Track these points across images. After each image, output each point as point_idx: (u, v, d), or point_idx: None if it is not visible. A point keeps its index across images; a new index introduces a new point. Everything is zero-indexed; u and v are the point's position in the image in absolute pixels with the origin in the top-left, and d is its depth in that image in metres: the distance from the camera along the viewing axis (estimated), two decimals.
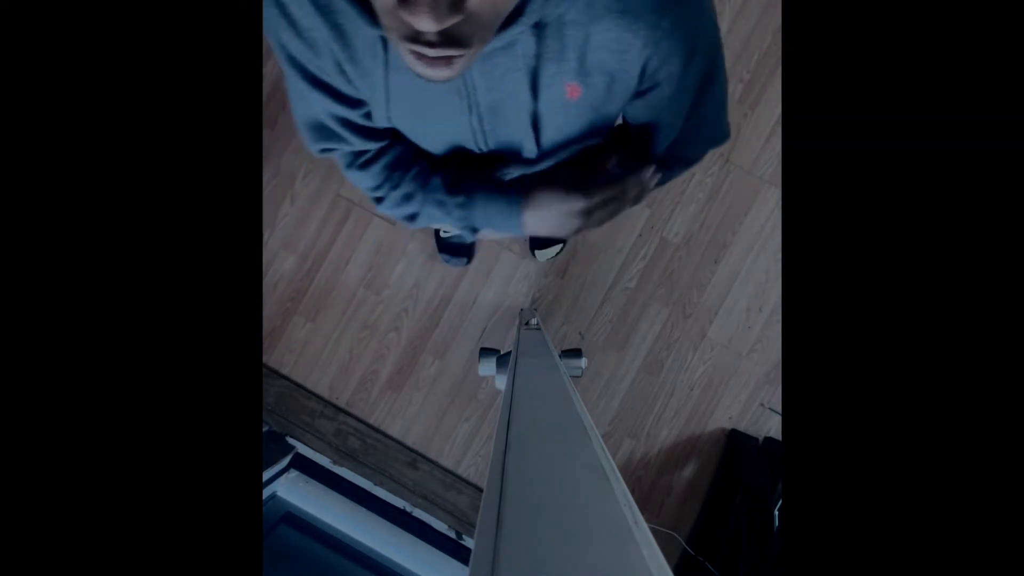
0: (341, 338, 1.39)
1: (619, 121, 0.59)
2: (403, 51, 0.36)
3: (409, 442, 1.39)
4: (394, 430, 1.40)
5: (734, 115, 1.34)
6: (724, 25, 1.33)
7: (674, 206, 1.37)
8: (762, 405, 1.38)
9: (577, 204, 0.55)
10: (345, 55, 0.46)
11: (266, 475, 1.25)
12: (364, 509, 1.36)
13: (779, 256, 1.35)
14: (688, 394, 1.38)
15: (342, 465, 1.38)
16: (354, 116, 0.53)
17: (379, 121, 0.54)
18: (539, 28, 0.42)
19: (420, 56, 0.34)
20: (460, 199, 0.58)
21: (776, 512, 1.16)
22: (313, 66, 0.48)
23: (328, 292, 1.39)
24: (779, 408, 1.38)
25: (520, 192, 0.56)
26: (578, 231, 0.58)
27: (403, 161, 0.59)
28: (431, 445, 1.39)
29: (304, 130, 0.56)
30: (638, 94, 0.50)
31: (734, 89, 1.34)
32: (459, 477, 1.39)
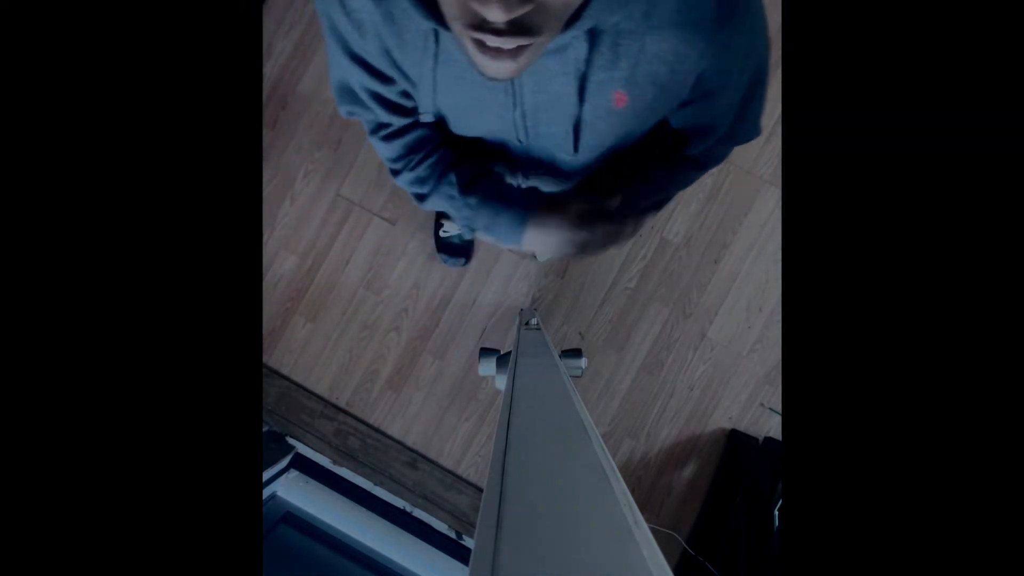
0: (341, 338, 1.39)
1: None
2: (467, 44, 0.35)
3: (409, 442, 1.39)
4: (394, 430, 1.40)
5: None
6: None
7: (674, 206, 1.37)
8: (762, 405, 1.38)
9: (580, 236, 0.55)
10: (394, 41, 0.46)
11: (266, 475, 1.25)
12: (364, 509, 1.36)
13: (779, 256, 1.35)
14: (688, 394, 1.38)
15: (342, 465, 1.38)
16: (387, 92, 0.53)
17: (424, 107, 0.54)
18: (593, 35, 0.42)
19: (484, 49, 0.34)
20: (471, 200, 0.58)
21: (776, 512, 1.16)
22: (356, 45, 0.48)
23: (328, 292, 1.39)
24: (779, 408, 1.38)
25: (528, 209, 0.57)
26: (571, 256, 0.58)
27: (425, 143, 0.59)
28: (431, 445, 1.39)
29: (335, 91, 0.56)
30: (686, 102, 0.50)
31: None
32: (459, 477, 1.39)
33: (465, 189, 0.58)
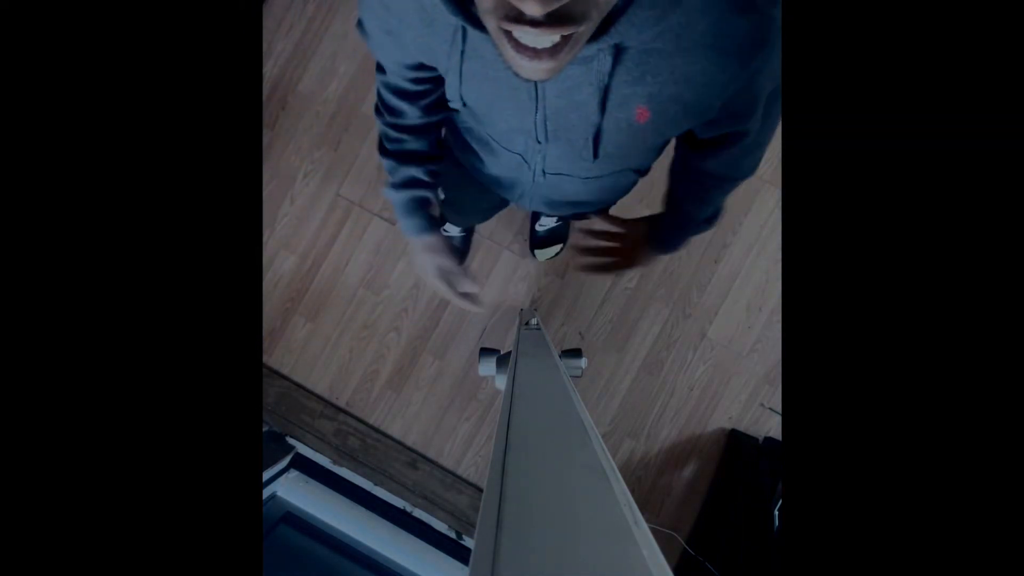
0: (341, 338, 1.39)
1: None
2: (502, 43, 0.34)
3: (409, 442, 1.39)
4: (394, 430, 1.40)
5: None
6: None
7: None
8: (762, 405, 1.38)
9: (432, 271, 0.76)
10: (426, 30, 0.47)
11: (266, 475, 1.25)
12: (364, 509, 1.36)
13: (779, 256, 1.35)
14: (688, 394, 1.38)
15: (342, 465, 1.38)
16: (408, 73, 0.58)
17: (452, 97, 0.55)
18: (618, 50, 0.41)
19: (521, 49, 0.33)
20: (395, 181, 0.69)
21: (776, 512, 1.16)
22: (390, 23, 0.50)
23: (328, 292, 1.39)
24: (779, 408, 1.38)
25: (423, 230, 0.74)
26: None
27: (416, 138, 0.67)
28: (431, 445, 1.39)
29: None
30: (712, 121, 0.51)
31: None
32: (459, 477, 1.39)
33: (396, 174, 0.69)
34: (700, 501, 1.37)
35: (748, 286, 1.37)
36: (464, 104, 0.55)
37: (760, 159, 0.65)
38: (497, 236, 1.39)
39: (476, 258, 1.39)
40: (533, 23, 0.30)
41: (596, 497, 0.22)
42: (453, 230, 1.32)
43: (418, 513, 1.38)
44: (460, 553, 1.35)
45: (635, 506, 0.21)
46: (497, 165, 0.68)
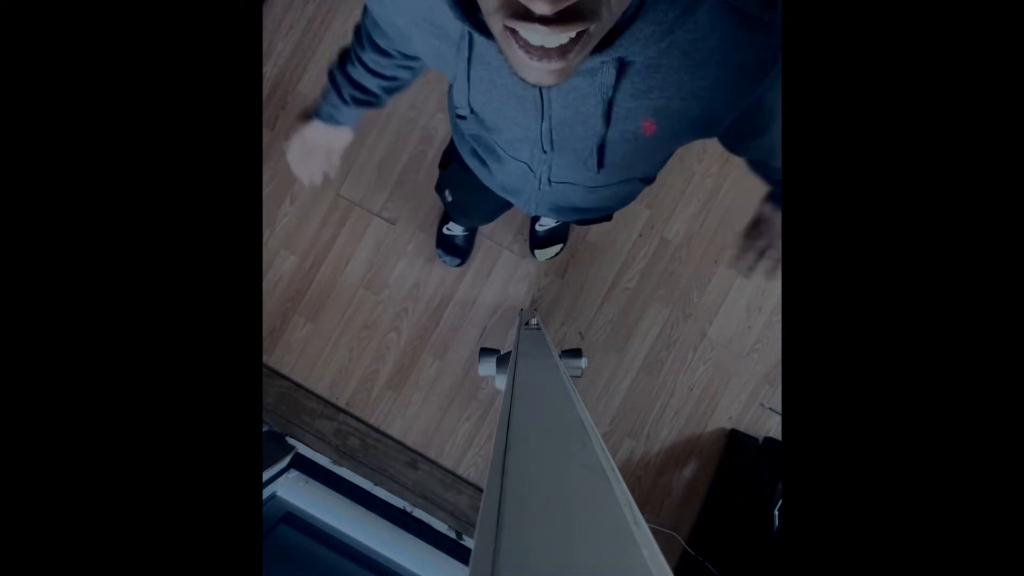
0: (341, 338, 1.39)
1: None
2: (507, 46, 0.33)
3: (409, 442, 1.39)
4: (394, 430, 1.40)
5: None
6: None
7: (674, 206, 1.37)
8: (762, 405, 1.38)
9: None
10: (436, 31, 0.46)
11: (266, 475, 1.25)
12: (364, 509, 1.36)
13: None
14: (688, 394, 1.38)
15: (342, 465, 1.38)
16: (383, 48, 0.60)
17: (460, 104, 0.54)
18: (623, 64, 0.41)
19: (529, 49, 0.32)
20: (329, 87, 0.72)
21: (776, 512, 1.16)
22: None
23: (328, 292, 1.39)
24: (779, 408, 1.38)
25: (330, 120, 0.73)
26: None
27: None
28: (431, 445, 1.39)
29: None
30: (740, 134, 0.51)
31: None
32: (459, 477, 1.39)
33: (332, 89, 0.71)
34: (700, 501, 1.37)
35: (748, 286, 1.37)
36: (472, 111, 0.55)
37: None
38: (497, 236, 1.39)
39: (476, 258, 1.39)
40: (543, 20, 0.29)
41: (596, 497, 0.22)
42: (456, 229, 1.32)
43: (418, 513, 1.38)
44: (460, 553, 1.35)
45: (635, 506, 0.21)
46: (503, 172, 0.69)
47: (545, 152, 0.55)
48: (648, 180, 0.68)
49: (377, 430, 1.39)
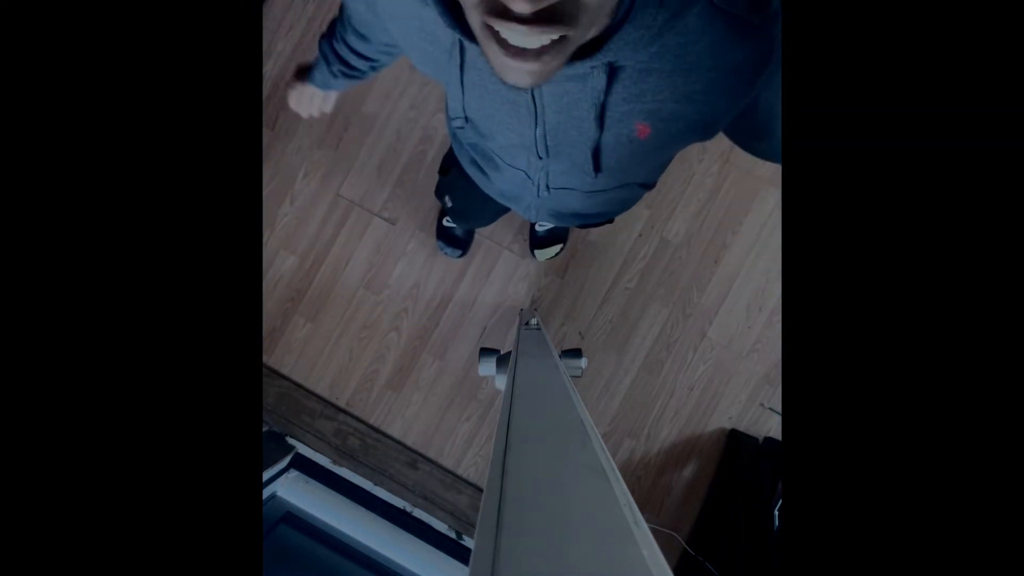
0: (341, 338, 1.39)
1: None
2: (486, 44, 0.33)
3: (409, 442, 1.39)
4: (394, 430, 1.40)
5: None
6: None
7: (674, 206, 1.37)
8: (762, 405, 1.38)
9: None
10: (429, 38, 0.46)
11: (266, 475, 1.25)
12: (364, 509, 1.36)
13: (779, 256, 1.35)
14: (688, 394, 1.38)
15: (342, 465, 1.38)
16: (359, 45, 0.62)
17: (455, 112, 0.55)
18: (614, 69, 0.41)
19: (506, 48, 0.32)
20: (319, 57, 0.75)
21: (776, 512, 1.16)
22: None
23: (328, 292, 1.39)
24: (779, 408, 1.38)
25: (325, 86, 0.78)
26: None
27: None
28: (431, 445, 1.39)
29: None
30: (733, 125, 0.50)
31: None
32: (459, 477, 1.39)
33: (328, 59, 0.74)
34: (700, 501, 1.37)
35: (748, 286, 1.37)
36: (467, 119, 0.55)
37: None
38: (497, 236, 1.39)
39: (476, 258, 1.39)
40: (521, 20, 0.29)
41: (596, 497, 0.22)
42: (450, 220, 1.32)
43: (418, 513, 1.38)
44: (460, 553, 1.35)
45: (635, 506, 0.21)
46: (502, 180, 0.69)
47: (541, 158, 0.55)
48: (647, 185, 0.68)
49: (377, 430, 1.39)
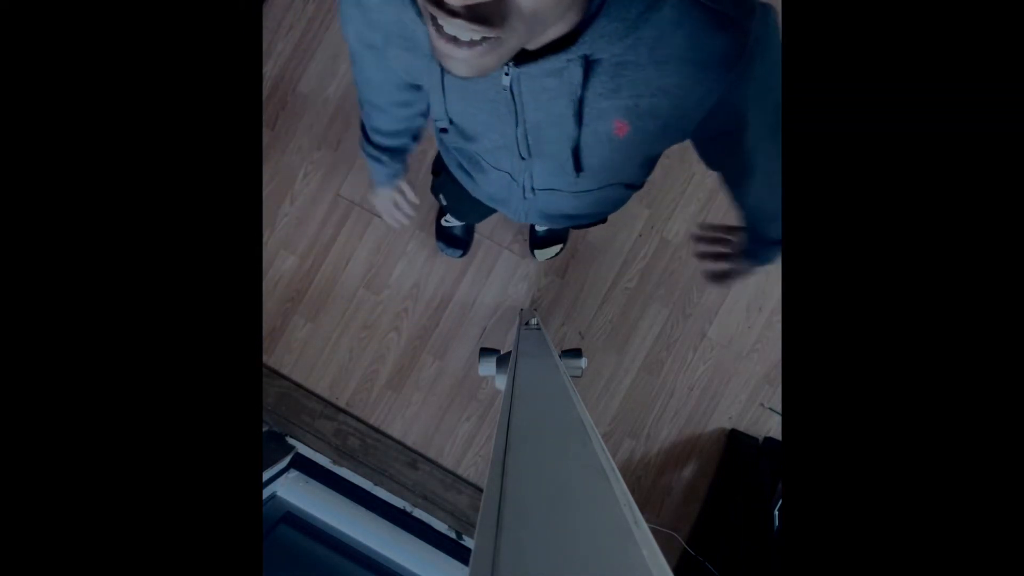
0: (341, 338, 1.39)
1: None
2: (429, 27, 0.34)
3: (409, 442, 1.39)
4: (394, 430, 1.40)
5: None
6: None
7: (674, 206, 1.37)
8: (762, 405, 1.38)
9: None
10: (408, 44, 0.47)
11: (266, 475, 1.25)
12: (364, 509, 1.36)
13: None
14: (688, 394, 1.38)
15: (342, 465, 1.38)
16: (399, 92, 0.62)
17: (438, 115, 0.55)
18: (589, 62, 0.41)
19: (441, 32, 0.32)
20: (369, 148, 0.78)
21: (776, 512, 1.16)
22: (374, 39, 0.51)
23: (328, 292, 1.39)
24: (779, 408, 1.38)
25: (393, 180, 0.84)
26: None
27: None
28: (431, 445, 1.39)
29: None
30: (710, 138, 0.50)
31: None
32: (459, 477, 1.39)
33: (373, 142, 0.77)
34: (700, 501, 1.37)
35: (748, 286, 1.37)
36: (451, 121, 0.55)
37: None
38: (497, 236, 1.39)
39: (476, 258, 1.39)
40: (451, 12, 0.30)
41: (596, 497, 0.22)
42: (453, 221, 1.32)
43: (418, 513, 1.38)
44: (460, 553, 1.35)
45: (635, 506, 0.21)
46: (488, 183, 0.69)
47: (524, 159, 0.55)
48: (634, 186, 0.67)
49: (377, 430, 1.39)
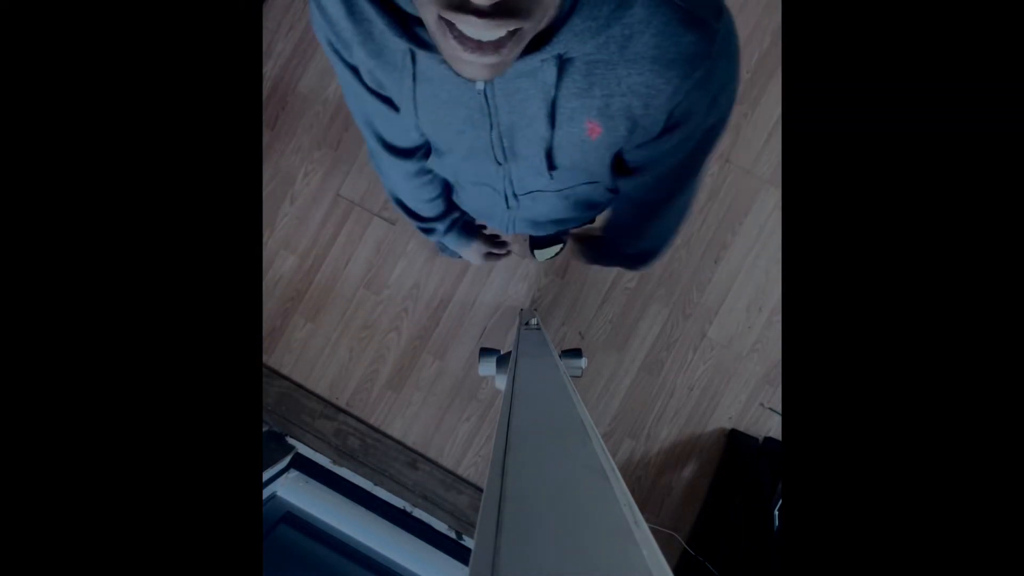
0: (341, 338, 1.39)
1: None
2: (443, 39, 0.33)
3: (409, 442, 1.39)
4: (394, 430, 1.40)
5: (734, 115, 1.33)
6: None
7: None
8: (762, 405, 1.38)
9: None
10: (376, 61, 0.46)
11: (266, 475, 1.25)
12: (364, 509, 1.36)
13: (779, 256, 1.35)
14: (688, 394, 1.38)
15: (342, 465, 1.38)
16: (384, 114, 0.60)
17: (408, 129, 0.55)
18: (563, 61, 0.41)
19: (464, 41, 0.32)
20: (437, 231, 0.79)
21: (776, 512, 1.16)
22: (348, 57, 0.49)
23: (328, 292, 1.39)
24: (779, 408, 1.38)
25: (471, 242, 0.84)
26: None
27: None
28: (431, 445, 1.39)
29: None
30: (648, 142, 0.50)
31: None
32: (459, 477, 1.39)
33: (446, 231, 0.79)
34: (700, 501, 1.37)
35: (748, 286, 1.37)
36: (423, 136, 0.55)
37: (676, 224, 0.71)
38: None
39: None
40: (478, 13, 0.29)
41: (596, 497, 0.22)
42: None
43: (418, 513, 1.38)
44: (460, 553, 1.35)
45: (635, 506, 0.21)
46: (470, 199, 0.71)
47: (500, 164, 0.55)
48: (616, 191, 0.67)
49: (377, 430, 1.39)
